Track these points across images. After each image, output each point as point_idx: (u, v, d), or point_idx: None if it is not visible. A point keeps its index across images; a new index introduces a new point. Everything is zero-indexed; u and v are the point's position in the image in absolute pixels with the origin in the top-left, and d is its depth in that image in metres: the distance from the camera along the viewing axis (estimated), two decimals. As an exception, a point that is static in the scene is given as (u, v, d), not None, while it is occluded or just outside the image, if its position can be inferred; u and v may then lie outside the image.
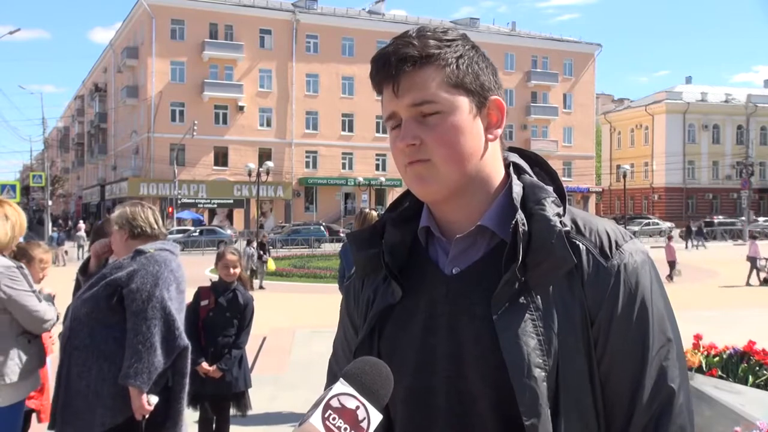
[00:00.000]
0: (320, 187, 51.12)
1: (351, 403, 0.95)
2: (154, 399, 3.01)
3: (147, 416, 2.99)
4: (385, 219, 1.27)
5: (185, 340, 3.12)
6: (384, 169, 50.69)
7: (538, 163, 1.26)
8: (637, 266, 1.13)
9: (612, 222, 1.20)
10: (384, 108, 1.17)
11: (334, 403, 0.94)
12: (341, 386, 0.96)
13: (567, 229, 1.13)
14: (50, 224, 38.75)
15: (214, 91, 47.80)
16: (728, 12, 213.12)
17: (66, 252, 29.20)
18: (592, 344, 1.11)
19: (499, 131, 1.19)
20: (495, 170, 1.19)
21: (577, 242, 1.13)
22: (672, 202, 61.63)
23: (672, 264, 19.79)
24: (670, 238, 21.86)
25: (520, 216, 1.13)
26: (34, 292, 3.33)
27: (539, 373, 1.07)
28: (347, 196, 51.55)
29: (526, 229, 1.12)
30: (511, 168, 1.22)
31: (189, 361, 3.19)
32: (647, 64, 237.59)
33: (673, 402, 1.11)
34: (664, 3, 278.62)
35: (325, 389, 1.36)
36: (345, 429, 0.92)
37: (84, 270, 3.63)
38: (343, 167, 51.77)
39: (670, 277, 19.43)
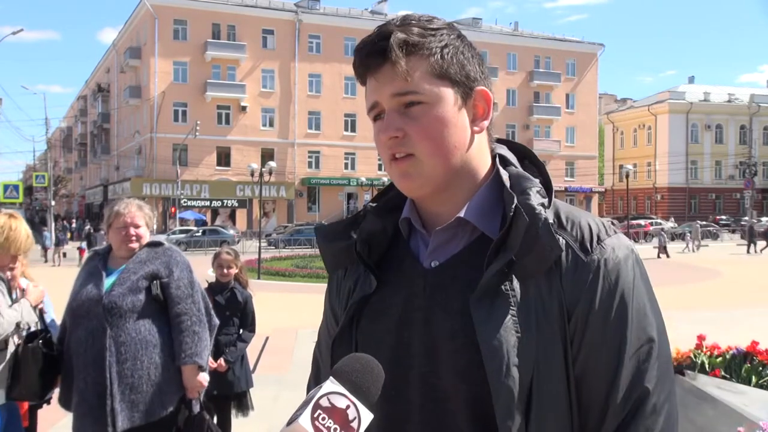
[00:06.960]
0: (323, 187, 51.15)
1: (341, 403, 0.91)
2: (207, 376, 3.24)
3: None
4: (366, 209, 1.22)
5: (216, 319, 3.44)
6: (386, 169, 50.63)
7: (526, 156, 1.23)
8: (618, 261, 1.08)
9: (597, 216, 1.16)
10: (367, 98, 1.13)
11: (324, 402, 0.90)
12: (331, 385, 0.92)
13: (550, 221, 1.09)
14: (53, 224, 38.73)
15: (216, 91, 47.86)
16: (735, 12, 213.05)
17: (64, 254, 28.16)
18: (569, 342, 1.06)
19: (486, 123, 1.15)
20: (481, 163, 1.16)
21: (558, 236, 1.08)
22: (675, 202, 61.54)
23: None
24: None
25: (513, 201, 1.09)
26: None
27: (516, 372, 1.02)
28: (350, 196, 51.57)
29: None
30: (497, 160, 1.18)
31: (214, 337, 3.47)
32: (654, 64, 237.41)
33: (645, 402, 1.05)
34: (672, 3, 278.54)
35: (309, 378, 1.33)
36: (335, 429, 0.88)
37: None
38: (346, 167, 51.79)
39: None
